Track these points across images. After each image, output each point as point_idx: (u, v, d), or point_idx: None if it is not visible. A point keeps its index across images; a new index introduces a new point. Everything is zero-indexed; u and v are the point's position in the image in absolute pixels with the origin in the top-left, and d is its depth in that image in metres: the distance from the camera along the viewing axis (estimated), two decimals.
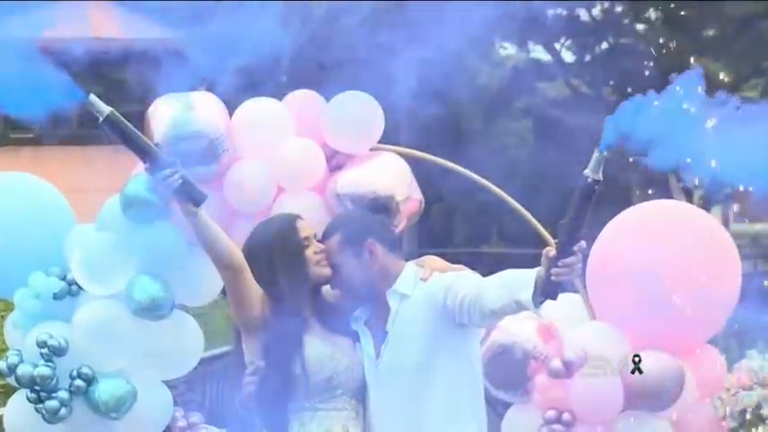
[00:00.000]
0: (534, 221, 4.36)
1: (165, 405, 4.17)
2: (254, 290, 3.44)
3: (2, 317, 4.33)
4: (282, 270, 3.46)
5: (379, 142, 4.28)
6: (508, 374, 4.20)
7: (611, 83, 19.13)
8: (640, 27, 19.96)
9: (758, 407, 4.14)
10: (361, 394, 3.53)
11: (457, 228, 24.28)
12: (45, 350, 3.85)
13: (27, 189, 4.18)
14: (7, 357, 3.93)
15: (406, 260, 3.60)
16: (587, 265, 4.17)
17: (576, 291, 4.23)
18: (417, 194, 4.22)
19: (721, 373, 4.26)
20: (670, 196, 15.19)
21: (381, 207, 3.99)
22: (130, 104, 4.89)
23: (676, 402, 4.07)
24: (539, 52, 21.24)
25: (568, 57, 20.66)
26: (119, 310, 3.96)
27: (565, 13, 19.50)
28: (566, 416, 4.10)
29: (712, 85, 2.95)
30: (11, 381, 3.98)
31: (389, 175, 4.14)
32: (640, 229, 4.22)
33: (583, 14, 19.63)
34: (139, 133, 3.48)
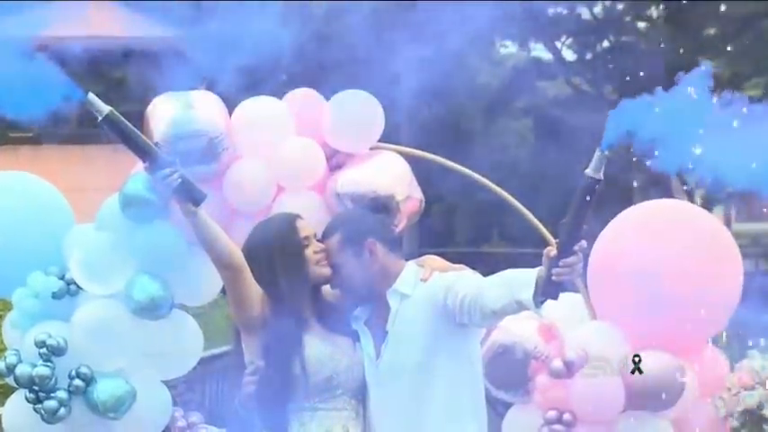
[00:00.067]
0: (535, 221, 4.35)
1: (164, 405, 4.17)
2: (254, 289, 3.43)
3: (0, 316, 4.32)
4: (282, 270, 3.45)
5: (380, 141, 4.27)
6: (509, 374, 4.20)
7: (613, 82, 19.11)
8: (642, 25, 19.94)
9: (760, 407, 4.13)
10: (361, 394, 3.52)
11: (457, 227, 24.28)
12: (44, 350, 3.85)
13: (26, 188, 4.18)
14: (6, 357, 3.93)
15: (407, 260, 3.59)
16: (588, 265, 4.16)
17: (576, 290, 4.22)
18: (418, 194, 4.22)
19: (723, 373, 4.25)
20: (671, 195, 15.21)
21: (381, 206, 3.98)
22: (130, 103, 4.88)
23: (677, 402, 4.06)
24: (539, 51, 21.23)
25: (569, 55, 20.63)
26: (118, 310, 3.96)
27: (566, 11, 19.49)
28: (566, 416, 4.09)
29: (713, 85, 2.93)
30: (9, 381, 3.97)
31: (390, 175, 4.13)
32: (641, 229, 4.22)
33: (584, 13, 19.61)
34: (139, 132, 3.47)
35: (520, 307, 3.21)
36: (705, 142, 2.89)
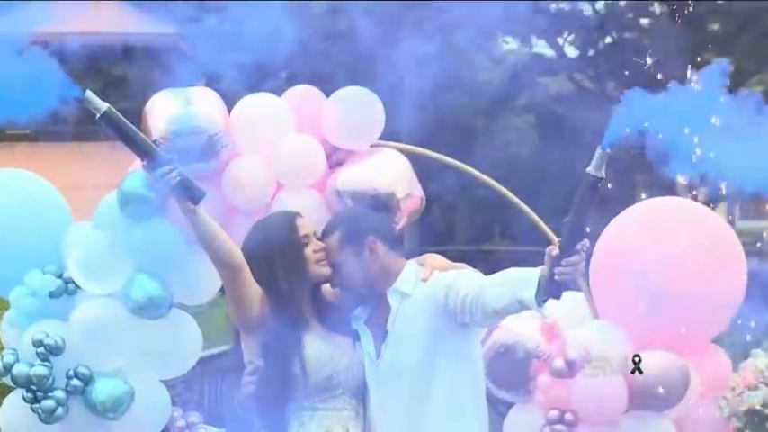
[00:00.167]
0: (537, 219, 4.33)
1: (163, 405, 4.16)
2: (254, 289, 3.42)
3: None
4: (282, 269, 3.44)
5: (380, 138, 4.25)
6: (510, 374, 4.19)
7: (615, 78, 19.09)
8: (644, 22, 19.92)
9: (764, 406, 4.11)
10: (361, 394, 3.51)
11: (458, 225, 24.27)
12: (41, 349, 3.84)
13: (23, 186, 4.17)
14: (3, 357, 3.92)
15: (407, 258, 3.58)
16: (590, 264, 4.15)
17: (579, 289, 4.20)
18: (418, 191, 4.20)
19: (726, 373, 4.23)
20: (675, 193, 15.17)
21: (382, 204, 3.97)
22: (130, 101, 4.86)
23: (680, 402, 4.04)
24: (542, 47, 21.20)
25: (571, 52, 20.61)
26: (116, 309, 3.96)
27: (568, 7, 19.48)
28: (568, 416, 4.08)
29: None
30: (7, 380, 3.96)
31: (390, 172, 4.11)
32: (644, 227, 4.20)
33: (586, 9, 19.60)
34: (137, 130, 3.46)
35: (522, 306, 3.20)
36: (709, 140, 2.87)
